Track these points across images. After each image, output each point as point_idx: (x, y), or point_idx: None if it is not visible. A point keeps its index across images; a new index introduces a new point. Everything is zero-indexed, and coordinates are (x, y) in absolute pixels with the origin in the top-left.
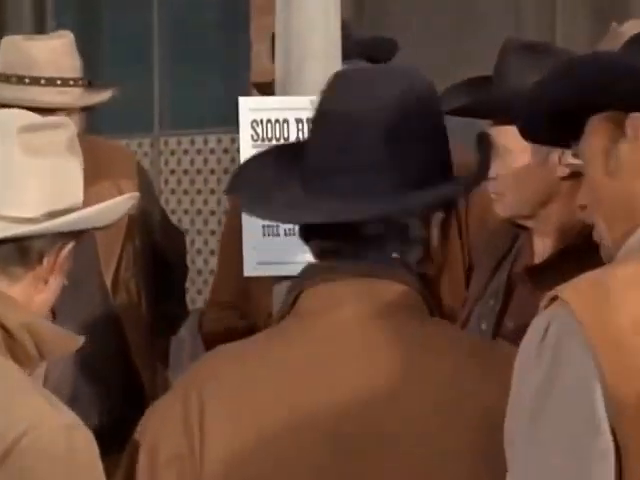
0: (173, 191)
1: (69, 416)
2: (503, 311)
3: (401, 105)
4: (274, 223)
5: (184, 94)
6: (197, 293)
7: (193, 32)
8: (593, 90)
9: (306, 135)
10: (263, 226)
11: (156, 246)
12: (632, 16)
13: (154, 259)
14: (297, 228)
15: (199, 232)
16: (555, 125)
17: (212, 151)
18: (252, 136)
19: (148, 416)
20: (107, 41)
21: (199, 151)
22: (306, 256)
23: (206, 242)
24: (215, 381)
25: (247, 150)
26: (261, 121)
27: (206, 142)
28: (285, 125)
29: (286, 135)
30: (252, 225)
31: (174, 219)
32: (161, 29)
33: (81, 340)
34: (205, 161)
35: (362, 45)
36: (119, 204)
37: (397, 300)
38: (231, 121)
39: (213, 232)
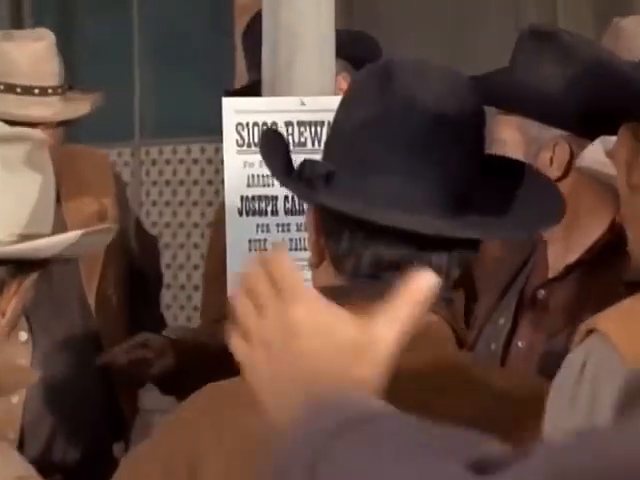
0: (154, 203)
1: (21, 466)
2: (513, 330)
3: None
4: (262, 237)
5: (166, 101)
6: (180, 309)
7: (175, 36)
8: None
9: (297, 140)
10: (250, 240)
11: (133, 261)
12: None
13: (131, 274)
14: (286, 243)
15: (181, 246)
16: (592, 121)
17: (195, 161)
18: (237, 141)
19: (121, 471)
20: (85, 45)
21: (181, 161)
22: None
23: (189, 256)
24: (215, 432)
25: (231, 156)
26: (247, 124)
27: (189, 151)
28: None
29: None
30: (237, 238)
31: (155, 232)
32: (141, 33)
33: (37, 375)
34: (188, 171)
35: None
36: (92, 235)
37: (423, 332)
38: (215, 129)
39: (196, 246)
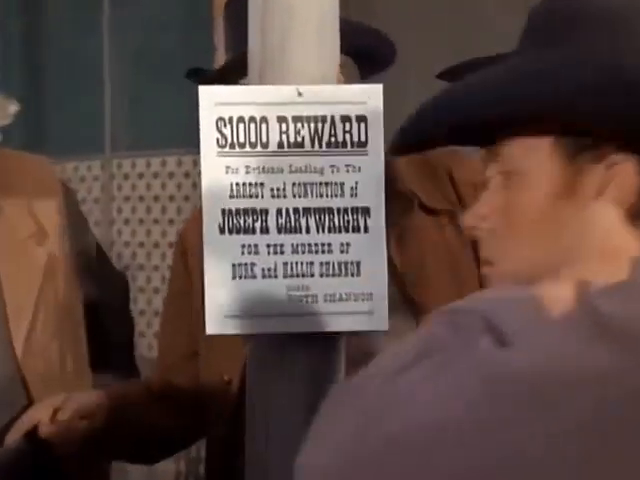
0: (127, 221)
1: None
2: None
3: None
4: (247, 261)
5: (139, 110)
6: (155, 337)
7: (148, 43)
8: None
9: (292, 139)
10: (233, 265)
11: (91, 297)
12: None
13: (88, 314)
14: (279, 267)
15: (156, 268)
16: None
17: (171, 175)
18: (218, 140)
19: None
20: (54, 52)
21: (156, 175)
22: (291, 306)
23: (164, 279)
24: None
25: (210, 160)
26: (230, 119)
27: (164, 164)
28: (263, 125)
29: (264, 139)
30: (217, 262)
31: (128, 253)
32: (113, 40)
33: None
34: (163, 186)
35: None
36: None
37: None
38: (192, 140)
39: None
